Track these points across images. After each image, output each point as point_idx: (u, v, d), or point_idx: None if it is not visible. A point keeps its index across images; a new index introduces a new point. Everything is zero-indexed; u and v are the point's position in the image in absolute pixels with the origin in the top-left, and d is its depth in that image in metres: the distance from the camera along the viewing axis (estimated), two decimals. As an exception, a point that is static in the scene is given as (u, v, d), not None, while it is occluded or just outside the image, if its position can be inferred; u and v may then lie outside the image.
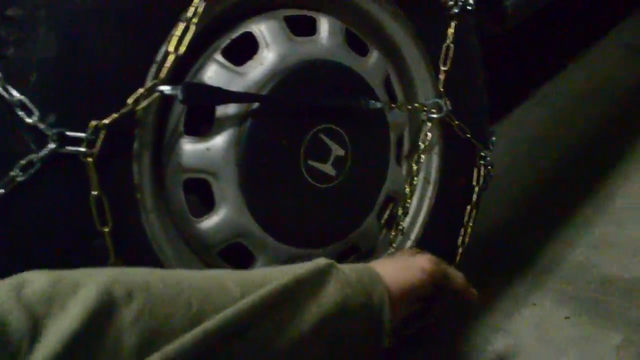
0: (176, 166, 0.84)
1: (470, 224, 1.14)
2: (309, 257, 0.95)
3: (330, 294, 0.69)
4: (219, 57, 0.85)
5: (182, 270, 0.67)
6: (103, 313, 0.52)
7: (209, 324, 0.57)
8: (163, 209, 0.85)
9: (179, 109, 0.83)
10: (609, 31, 2.21)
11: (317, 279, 0.69)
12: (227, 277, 0.65)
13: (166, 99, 0.80)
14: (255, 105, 0.85)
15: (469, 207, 1.14)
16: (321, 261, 0.72)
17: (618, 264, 1.23)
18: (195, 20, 0.76)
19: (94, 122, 0.71)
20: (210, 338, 0.57)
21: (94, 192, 0.73)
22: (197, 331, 0.56)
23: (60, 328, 0.49)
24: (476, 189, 1.14)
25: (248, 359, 0.61)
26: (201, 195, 0.89)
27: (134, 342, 0.53)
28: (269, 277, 0.66)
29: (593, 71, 2.01)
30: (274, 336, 0.63)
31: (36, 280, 0.53)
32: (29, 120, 0.68)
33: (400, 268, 0.82)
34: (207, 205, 0.88)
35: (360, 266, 0.79)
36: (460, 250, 1.12)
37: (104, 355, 0.51)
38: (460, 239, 1.13)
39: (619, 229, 1.32)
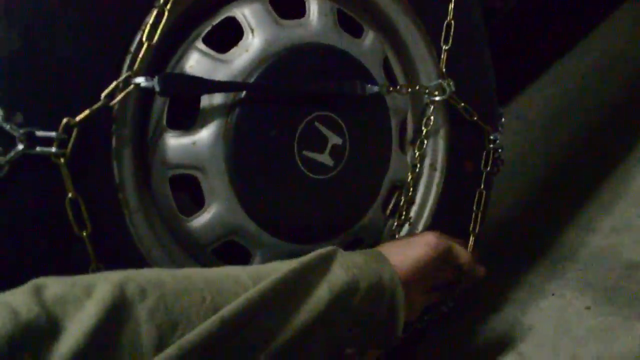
0: (161, 163, 0.79)
1: (481, 210, 1.08)
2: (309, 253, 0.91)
3: (338, 275, 0.70)
4: (200, 45, 0.79)
5: (192, 268, 0.68)
6: (119, 309, 0.53)
7: (224, 311, 0.58)
8: (150, 208, 0.80)
9: (160, 102, 0.78)
10: (621, 4, 2.11)
11: (323, 263, 0.70)
12: (237, 271, 0.66)
13: (146, 92, 0.75)
14: (243, 94, 0.80)
15: (477, 193, 1.08)
16: (327, 248, 0.73)
17: (640, 248, 1.16)
18: (168, 6, 0.71)
19: (65, 120, 0.67)
20: (226, 326, 0.58)
21: (70, 195, 0.68)
22: (213, 319, 0.57)
23: (79, 326, 0.50)
24: (484, 172, 1.08)
25: (264, 342, 0.62)
26: (191, 192, 0.84)
27: (152, 335, 0.54)
28: (279, 266, 0.68)
29: (605, 47, 1.92)
30: (288, 318, 0.64)
31: (51, 285, 0.54)
32: (-7, 121, 0.63)
33: (404, 246, 0.83)
34: (197, 202, 0.83)
35: (365, 250, 0.79)
36: (472, 237, 1.06)
37: (124, 349, 0.52)
38: (472, 225, 1.07)
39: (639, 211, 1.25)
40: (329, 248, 0.73)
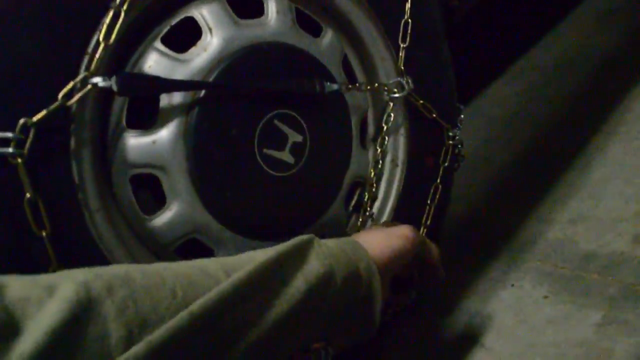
0: (121, 162, 0.80)
1: (435, 203, 1.10)
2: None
3: (314, 267, 0.68)
4: (159, 45, 0.80)
5: (162, 263, 0.65)
6: (84, 308, 0.51)
7: (193, 306, 0.56)
8: (111, 208, 0.80)
9: (119, 101, 0.79)
10: (579, 0, 2.17)
11: (299, 253, 0.68)
12: (209, 263, 0.64)
13: (105, 92, 0.76)
14: (202, 93, 0.81)
15: (433, 187, 1.10)
16: (303, 236, 0.71)
17: (596, 239, 1.20)
18: (125, 7, 0.71)
19: (22, 121, 0.67)
20: (196, 321, 0.56)
21: (28, 195, 0.68)
22: (182, 315, 0.55)
23: (40, 325, 0.48)
24: (442, 167, 1.10)
25: (236, 337, 0.60)
26: (153, 191, 0.85)
27: (120, 333, 0.52)
28: (252, 256, 0.66)
29: (567, 41, 1.97)
30: (262, 312, 0.62)
31: (11, 284, 0.51)
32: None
33: (382, 237, 0.81)
34: (160, 201, 0.84)
35: (342, 239, 0.77)
36: (423, 229, 1.08)
37: (90, 348, 0.50)
38: (424, 218, 1.09)
39: (596, 202, 1.29)
40: (306, 236, 0.71)
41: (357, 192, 1.07)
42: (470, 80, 1.28)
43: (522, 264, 1.20)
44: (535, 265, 1.18)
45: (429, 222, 1.09)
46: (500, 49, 2.02)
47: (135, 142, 0.79)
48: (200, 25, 0.83)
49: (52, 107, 0.68)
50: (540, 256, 1.20)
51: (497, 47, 2.03)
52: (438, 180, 1.09)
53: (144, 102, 0.80)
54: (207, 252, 0.87)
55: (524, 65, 1.93)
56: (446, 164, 1.10)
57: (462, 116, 1.16)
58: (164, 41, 0.81)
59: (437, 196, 1.09)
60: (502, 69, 1.93)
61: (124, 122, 0.79)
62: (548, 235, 1.25)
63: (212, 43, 0.82)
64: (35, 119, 0.67)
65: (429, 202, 1.09)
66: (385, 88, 1.01)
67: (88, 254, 0.75)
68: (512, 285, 1.15)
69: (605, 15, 2.09)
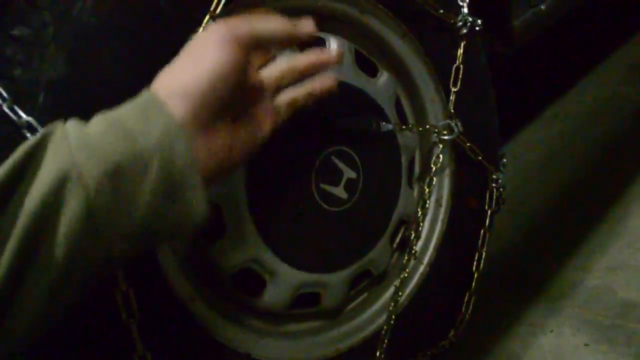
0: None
1: (484, 249, 1.11)
2: (320, 283, 0.93)
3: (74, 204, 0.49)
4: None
5: None
6: None
7: None
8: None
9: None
10: (612, 52, 2.20)
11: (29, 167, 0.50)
12: None
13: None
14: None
15: (482, 231, 1.11)
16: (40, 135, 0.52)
17: (636, 288, 1.20)
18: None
19: None
20: None
21: None
22: None
23: None
24: (489, 212, 1.11)
25: None
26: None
27: None
28: None
29: (600, 90, 2.00)
30: None
31: None
32: None
33: (184, 70, 0.58)
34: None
35: (133, 103, 0.56)
36: (475, 275, 1.09)
37: None
38: (475, 264, 1.10)
39: (635, 251, 1.29)
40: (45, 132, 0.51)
41: (402, 230, 1.08)
42: (505, 123, 1.31)
43: (561, 311, 1.19)
44: (575, 312, 1.18)
45: (480, 267, 1.09)
46: (535, 94, 2.05)
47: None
48: (267, 61, 0.86)
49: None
50: (580, 303, 1.20)
51: (532, 92, 2.06)
52: (486, 225, 1.10)
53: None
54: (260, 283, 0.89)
55: (557, 111, 1.96)
56: (492, 208, 1.11)
57: (505, 160, 1.18)
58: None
59: (486, 241, 1.10)
60: (535, 114, 1.96)
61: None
62: (587, 282, 1.25)
63: (277, 79, 0.85)
64: None
65: (479, 246, 1.10)
66: (436, 130, 1.03)
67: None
68: (551, 331, 1.15)
69: (636, 67, 2.12)
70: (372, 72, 0.99)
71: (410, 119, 1.07)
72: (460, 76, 1.05)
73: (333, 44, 0.92)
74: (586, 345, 1.09)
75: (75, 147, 0.50)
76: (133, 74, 0.71)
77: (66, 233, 0.49)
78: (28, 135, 0.65)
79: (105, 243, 0.51)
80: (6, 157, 0.51)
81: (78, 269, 0.50)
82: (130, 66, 0.71)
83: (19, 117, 0.65)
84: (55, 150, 0.50)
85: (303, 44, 0.88)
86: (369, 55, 0.99)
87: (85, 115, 0.61)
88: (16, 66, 0.65)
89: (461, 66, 1.05)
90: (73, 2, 0.67)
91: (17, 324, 0.50)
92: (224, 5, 0.76)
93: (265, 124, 0.68)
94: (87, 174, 0.50)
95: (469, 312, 1.09)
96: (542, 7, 1.36)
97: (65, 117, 0.59)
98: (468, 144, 1.07)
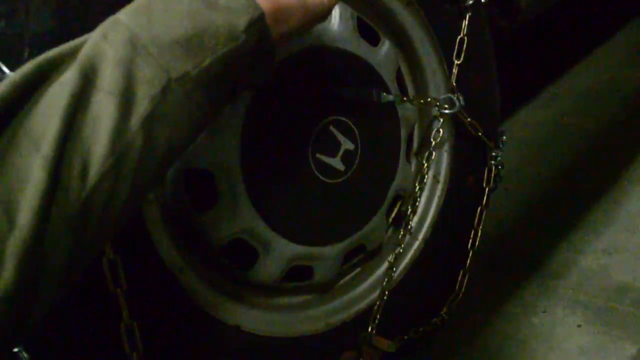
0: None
1: (480, 227, 1.09)
2: (313, 256, 0.91)
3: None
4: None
5: None
6: None
7: None
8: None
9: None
10: (616, 32, 2.17)
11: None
12: None
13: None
14: (259, 94, 0.80)
15: (479, 209, 1.09)
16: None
17: (631, 271, 1.19)
18: None
19: None
20: None
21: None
22: None
23: None
24: (486, 189, 1.09)
25: None
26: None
27: None
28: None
29: (599, 72, 1.97)
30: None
31: None
32: None
33: None
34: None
35: None
36: (470, 253, 1.07)
37: None
38: (470, 241, 1.09)
39: (631, 234, 1.28)
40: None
41: (398, 205, 1.06)
42: (504, 102, 1.28)
43: (555, 292, 1.19)
44: (568, 293, 1.17)
45: (476, 245, 1.08)
46: (534, 73, 2.02)
47: (192, 137, 0.78)
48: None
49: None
50: (573, 285, 1.19)
51: (532, 71, 2.03)
52: (483, 203, 1.08)
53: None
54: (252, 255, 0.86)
55: (556, 91, 1.93)
56: (490, 186, 1.09)
57: (505, 138, 1.15)
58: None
59: (483, 219, 1.08)
60: (534, 94, 1.93)
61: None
62: (581, 264, 1.24)
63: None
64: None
65: (475, 224, 1.08)
66: (437, 103, 1.00)
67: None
68: (544, 311, 1.14)
69: (637, 49, 2.10)
70: (374, 41, 0.95)
71: (411, 91, 1.04)
72: (464, 48, 1.02)
73: (335, 9, 0.89)
74: (579, 326, 1.08)
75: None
76: None
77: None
78: (12, 91, 0.61)
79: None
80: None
81: None
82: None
83: (3, 72, 0.61)
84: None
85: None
86: (371, 22, 0.95)
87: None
88: (-1, 18, 0.61)
89: (465, 38, 1.01)
90: (61, -48, 0.63)
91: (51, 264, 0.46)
92: None
93: None
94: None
95: (463, 290, 1.08)
96: (549, -18, 1.32)
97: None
98: (468, 119, 1.04)
